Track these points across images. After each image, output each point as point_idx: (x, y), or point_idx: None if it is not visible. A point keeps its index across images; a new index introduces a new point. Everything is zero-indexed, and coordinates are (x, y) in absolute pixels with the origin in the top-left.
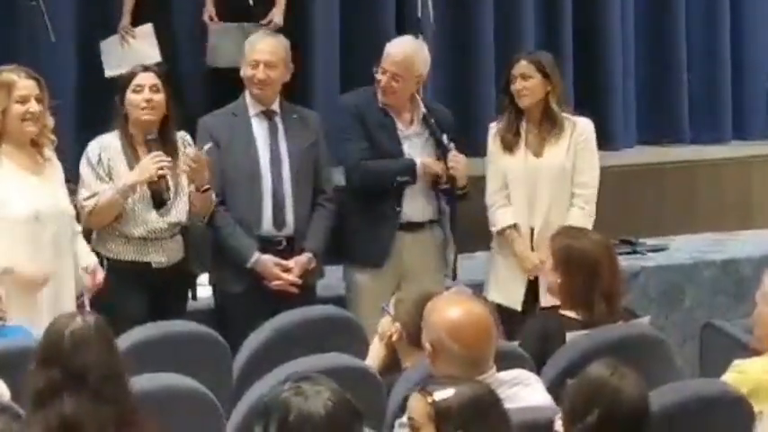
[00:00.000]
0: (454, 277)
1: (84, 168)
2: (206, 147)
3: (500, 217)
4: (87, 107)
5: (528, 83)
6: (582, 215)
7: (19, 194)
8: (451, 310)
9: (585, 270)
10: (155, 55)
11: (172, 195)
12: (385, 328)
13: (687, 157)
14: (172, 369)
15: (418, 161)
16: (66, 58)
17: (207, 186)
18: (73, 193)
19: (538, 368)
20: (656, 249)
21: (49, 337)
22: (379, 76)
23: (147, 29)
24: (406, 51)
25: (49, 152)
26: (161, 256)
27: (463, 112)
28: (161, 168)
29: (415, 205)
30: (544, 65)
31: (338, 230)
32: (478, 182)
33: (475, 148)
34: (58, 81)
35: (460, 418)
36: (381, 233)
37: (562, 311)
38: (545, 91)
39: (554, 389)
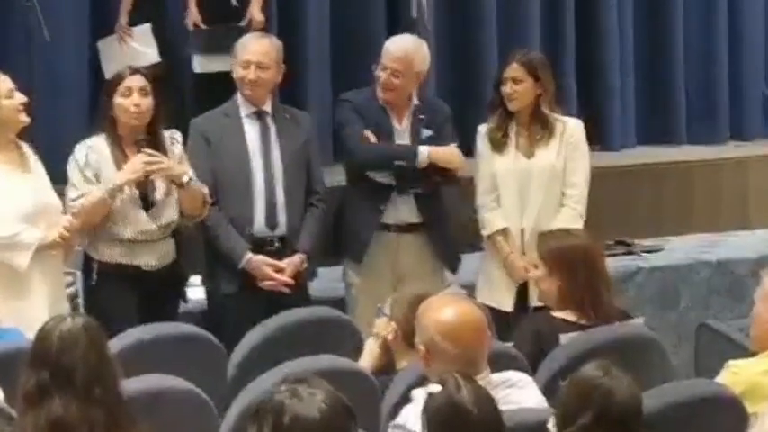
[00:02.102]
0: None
1: (71, 170)
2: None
3: (490, 220)
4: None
5: (518, 87)
6: (572, 216)
7: (18, 192)
8: (444, 310)
9: (586, 268)
10: (153, 55)
11: (161, 196)
12: (380, 328)
13: (684, 158)
14: (166, 370)
15: (424, 148)
16: (68, 58)
17: (188, 178)
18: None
19: (532, 369)
20: (651, 250)
21: (38, 339)
22: (378, 73)
23: (145, 29)
24: (406, 48)
25: (25, 147)
26: (151, 259)
27: (464, 111)
28: (150, 168)
29: (411, 206)
30: (536, 68)
31: (332, 230)
32: (472, 183)
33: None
34: (66, 81)
35: (428, 415)
36: (363, 228)
37: (554, 313)
38: (535, 94)
39: (548, 390)
